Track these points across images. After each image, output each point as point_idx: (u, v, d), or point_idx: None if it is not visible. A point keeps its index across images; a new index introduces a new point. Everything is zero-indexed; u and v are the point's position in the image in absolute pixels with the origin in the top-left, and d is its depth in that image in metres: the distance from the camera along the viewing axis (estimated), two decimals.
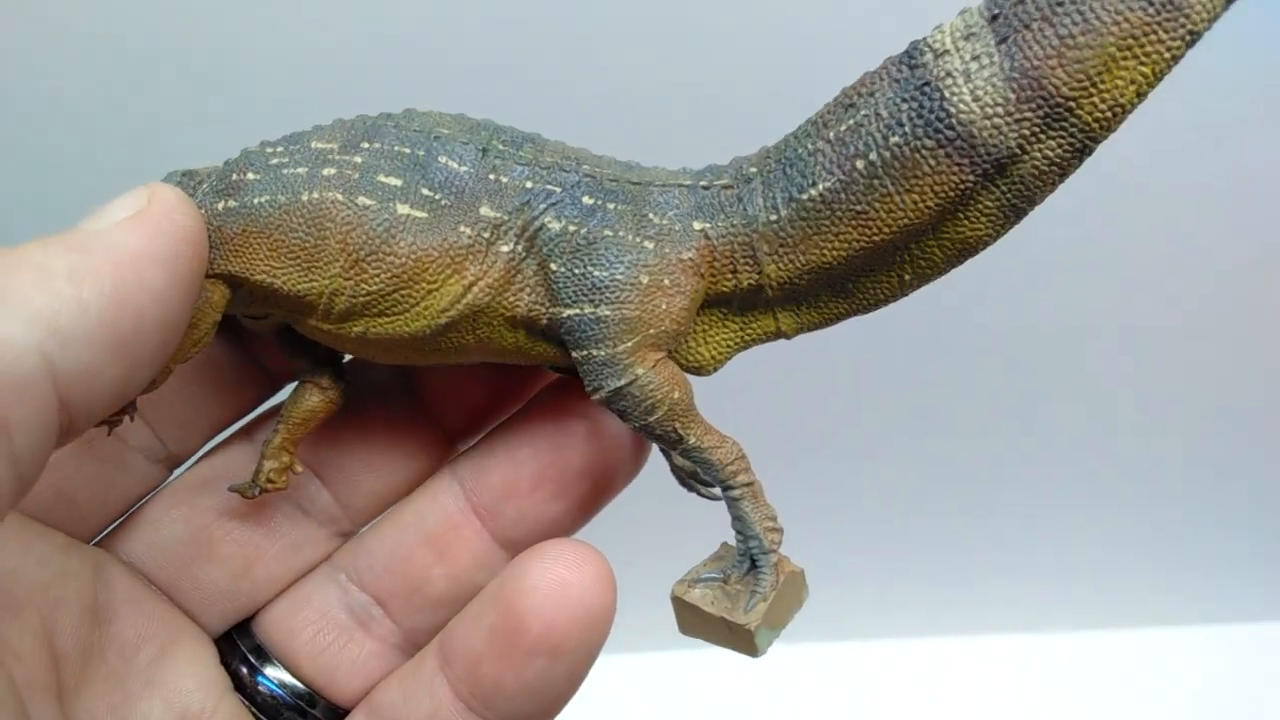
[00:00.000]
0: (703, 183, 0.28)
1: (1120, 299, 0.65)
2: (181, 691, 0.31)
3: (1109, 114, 0.24)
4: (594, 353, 0.27)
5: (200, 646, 0.32)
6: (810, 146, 0.27)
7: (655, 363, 0.28)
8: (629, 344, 0.27)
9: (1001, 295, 0.64)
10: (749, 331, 0.29)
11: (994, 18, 0.25)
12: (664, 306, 0.27)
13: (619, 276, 0.27)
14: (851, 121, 0.26)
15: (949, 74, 0.25)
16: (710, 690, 0.71)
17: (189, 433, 0.32)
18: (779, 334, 0.29)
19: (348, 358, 0.32)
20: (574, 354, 0.28)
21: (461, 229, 0.27)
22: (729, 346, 0.29)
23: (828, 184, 0.27)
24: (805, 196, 0.27)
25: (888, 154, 0.26)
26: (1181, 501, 0.71)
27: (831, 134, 0.27)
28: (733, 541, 0.29)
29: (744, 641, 0.28)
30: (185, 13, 0.52)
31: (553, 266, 0.27)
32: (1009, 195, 0.26)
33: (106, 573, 0.31)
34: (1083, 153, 0.25)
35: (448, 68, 0.53)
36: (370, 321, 0.28)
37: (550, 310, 0.27)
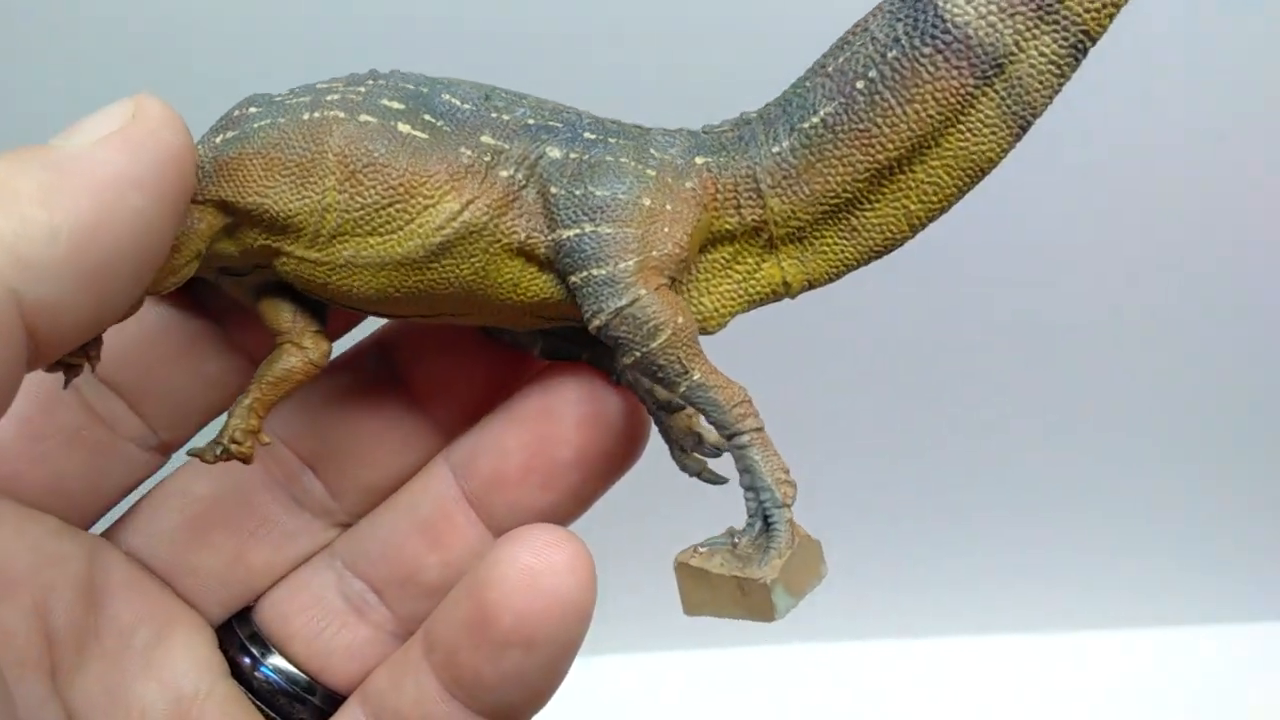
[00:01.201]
0: (704, 129, 0.29)
1: (1121, 298, 0.65)
2: (177, 673, 0.30)
3: (1098, 4, 0.25)
4: (594, 272, 0.26)
5: (196, 631, 0.32)
6: (809, 84, 0.28)
7: (658, 287, 0.27)
8: (631, 263, 0.27)
9: (1000, 295, 0.64)
10: (753, 283, 0.29)
11: None
12: (666, 230, 0.27)
13: (620, 196, 0.27)
14: (849, 53, 0.27)
15: None
16: (710, 690, 0.71)
17: (179, 420, 0.32)
18: (785, 287, 0.29)
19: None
20: (573, 279, 0.27)
21: (462, 150, 0.27)
22: (732, 299, 0.29)
23: (829, 109, 0.27)
24: (807, 125, 0.27)
25: (886, 69, 0.26)
26: (1181, 501, 0.71)
27: (830, 68, 0.27)
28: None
29: (759, 602, 0.26)
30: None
31: (553, 190, 0.27)
32: (1009, 101, 0.26)
33: (102, 558, 0.31)
34: (1078, 50, 0.26)
35: (449, 51, 0.53)
36: (361, 242, 0.27)
37: (549, 236, 0.27)
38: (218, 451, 0.28)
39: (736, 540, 0.27)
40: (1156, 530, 0.71)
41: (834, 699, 0.71)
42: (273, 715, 0.32)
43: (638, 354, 0.27)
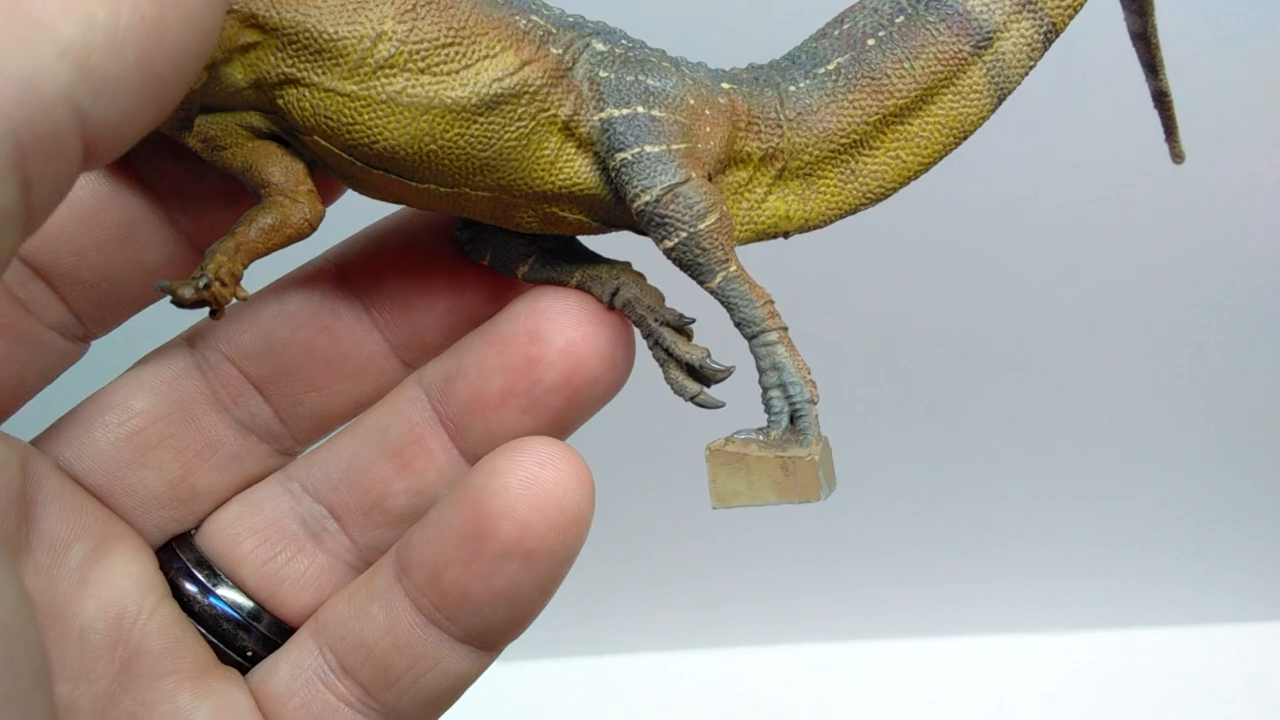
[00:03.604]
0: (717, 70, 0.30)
1: (1121, 298, 0.65)
2: (117, 591, 0.29)
3: (1065, 3, 0.30)
4: (648, 149, 0.27)
5: (136, 550, 0.30)
6: (815, 45, 0.30)
7: (704, 176, 0.28)
8: (682, 146, 0.27)
9: (1006, 294, 0.64)
10: (760, 212, 0.30)
11: None
12: (708, 130, 0.28)
13: (671, 89, 0.28)
14: (849, 24, 0.30)
15: None
16: (709, 691, 0.71)
17: (106, 310, 0.29)
18: (786, 221, 0.30)
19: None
20: (622, 155, 0.27)
21: (517, 18, 0.27)
22: (740, 225, 0.30)
23: (842, 59, 0.30)
24: (822, 70, 0.30)
25: (895, 31, 0.30)
26: (1182, 501, 0.71)
27: (835, 33, 0.30)
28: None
29: (804, 482, 0.26)
30: None
31: (602, 74, 0.28)
32: (993, 72, 0.30)
33: (34, 467, 0.29)
34: (1048, 39, 0.30)
35: None
36: (412, 79, 0.26)
37: (597, 115, 0.27)
38: (200, 285, 0.25)
39: (766, 431, 0.28)
40: (1157, 530, 0.71)
41: (834, 699, 0.71)
42: (215, 641, 0.30)
43: (684, 234, 0.27)
